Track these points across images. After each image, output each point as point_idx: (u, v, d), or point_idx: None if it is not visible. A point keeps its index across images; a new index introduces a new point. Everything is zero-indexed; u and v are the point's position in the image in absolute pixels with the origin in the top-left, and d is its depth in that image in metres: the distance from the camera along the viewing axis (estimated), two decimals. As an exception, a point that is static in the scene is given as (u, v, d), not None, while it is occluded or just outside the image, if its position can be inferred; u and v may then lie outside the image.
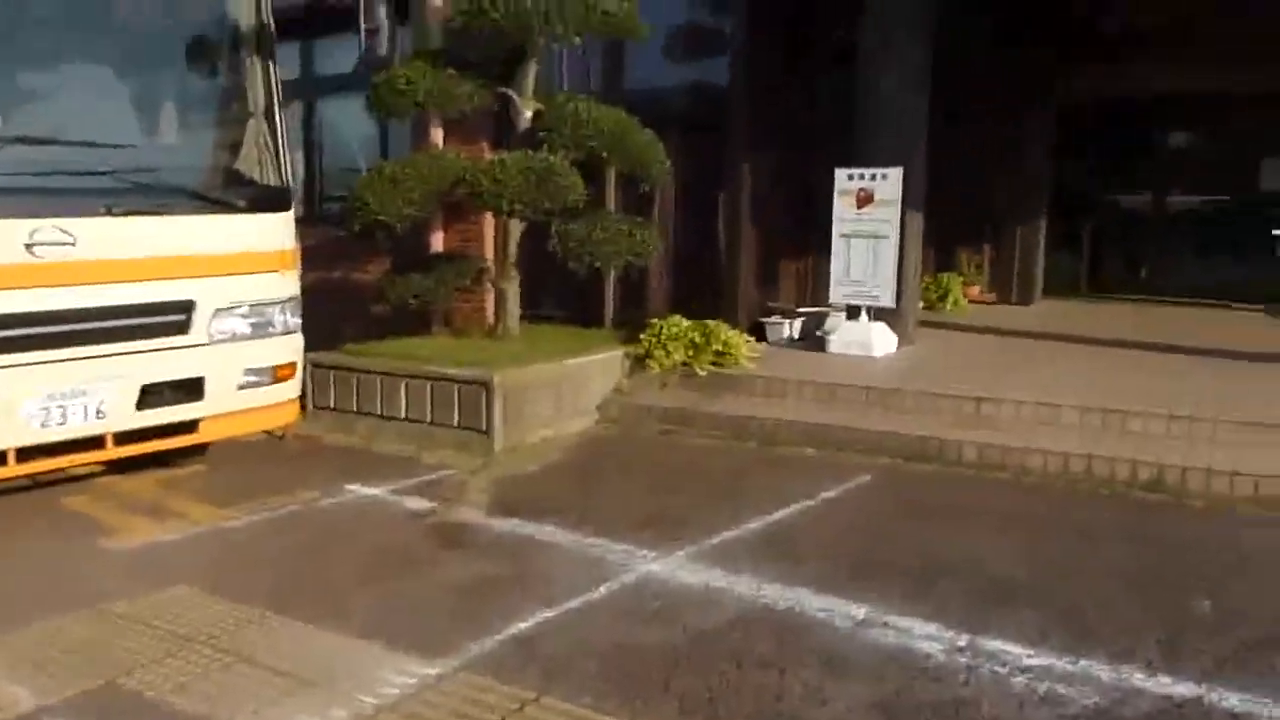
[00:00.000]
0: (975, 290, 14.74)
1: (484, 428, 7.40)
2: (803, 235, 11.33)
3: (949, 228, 13.16)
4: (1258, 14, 12.29)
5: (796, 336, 10.03)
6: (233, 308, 6.24)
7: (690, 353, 8.36)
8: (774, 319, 10.04)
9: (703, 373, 8.30)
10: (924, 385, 7.80)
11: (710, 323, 8.53)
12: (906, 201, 9.12)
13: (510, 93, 8.40)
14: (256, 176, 6.53)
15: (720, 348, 8.32)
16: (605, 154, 8.01)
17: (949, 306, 13.14)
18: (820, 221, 11.23)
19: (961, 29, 11.27)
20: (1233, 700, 3.80)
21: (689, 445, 7.74)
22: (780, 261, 11.16)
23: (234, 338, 6.29)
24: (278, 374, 6.56)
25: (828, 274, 10.67)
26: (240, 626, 4.47)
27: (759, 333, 9.96)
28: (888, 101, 9.35)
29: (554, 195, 7.55)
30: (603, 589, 4.90)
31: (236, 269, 6.26)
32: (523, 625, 4.47)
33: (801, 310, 10.75)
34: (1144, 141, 16.08)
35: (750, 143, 9.76)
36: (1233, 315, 13.61)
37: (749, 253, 10.06)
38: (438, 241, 10.63)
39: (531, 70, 8.42)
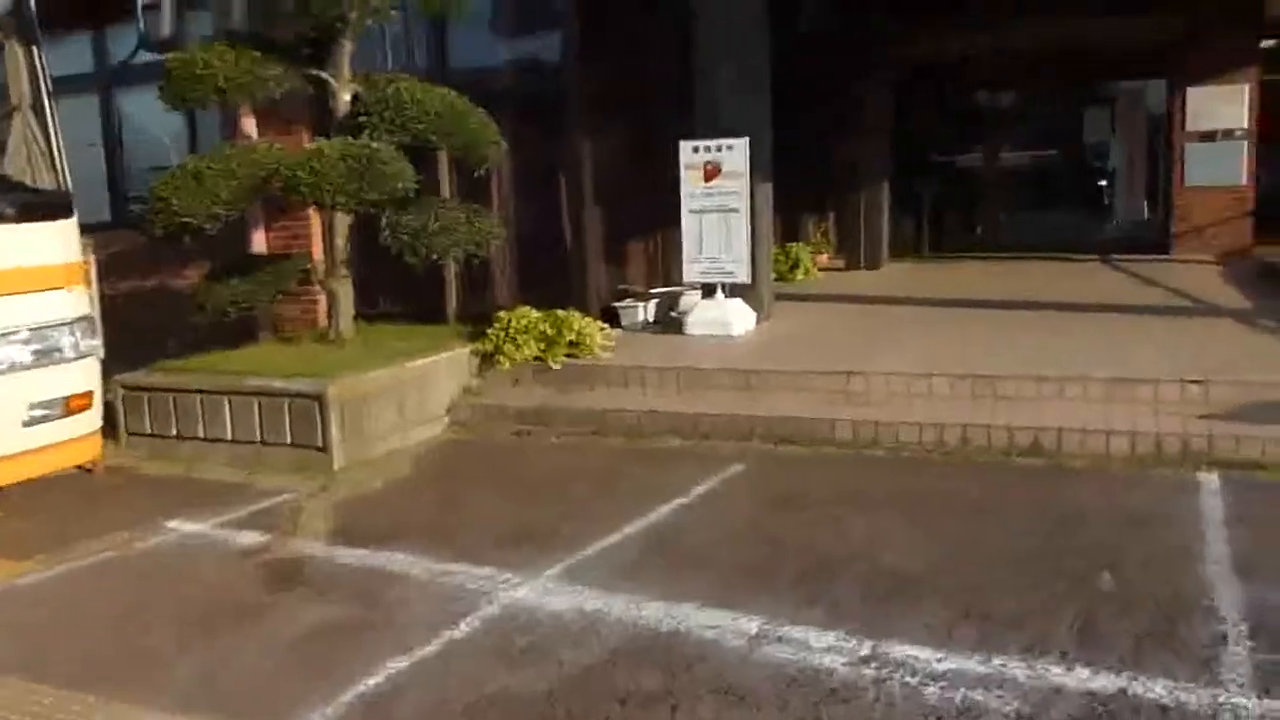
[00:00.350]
0: (824, 258, 14.63)
1: (321, 444, 6.69)
2: (651, 213, 10.87)
3: (794, 196, 12.91)
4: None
5: (652, 319, 9.58)
6: (7, 334, 5.37)
7: (542, 346, 7.81)
8: (627, 303, 9.57)
9: (557, 366, 7.76)
10: (789, 363, 7.45)
11: (561, 312, 7.99)
12: (755, 172, 8.76)
13: (324, 75, 7.64)
14: (27, 180, 5.65)
15: (574, 338, 7.79)
16: (434, 138, 7.33)
17: (800, 276, 12.94)
18: (668, 198, 10.85)
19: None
20: (1158, 689, 3.50)
21: (548, 446, 7.20)
22: (629, 242, 10.69)
23: (12, 368, 5.43)
24: (71, 405, 5.72)
25: (680, 252, 10.30)
26: (35, 716, 3.73)
27: (612, 318, 9.48)
28: (729, 68, 8.96)
29: (379, 184, 6.85)
30: (464, 625, 4.31)
31: (8, 288, 5.38)
32: (372, 681, 3.85)
33: (655, 291, 10.31)
34: (974, 102, 16.31)
35: (589, 119, 9.23)
36: (1073, 267, 13.86)
37: (596, 235, 9.55)
38: (260, 241, 9.76)
39: (346, 49, 7.68)
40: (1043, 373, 6.70)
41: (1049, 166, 16.21)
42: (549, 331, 7.81)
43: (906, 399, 6.87)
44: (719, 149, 8.71)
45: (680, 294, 10.19)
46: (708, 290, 9.07)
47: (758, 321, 9.10)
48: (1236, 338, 7.97)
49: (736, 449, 6.76)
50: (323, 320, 8.92)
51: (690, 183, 8.85)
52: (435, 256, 7.47)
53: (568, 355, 7.83)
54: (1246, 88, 13.98)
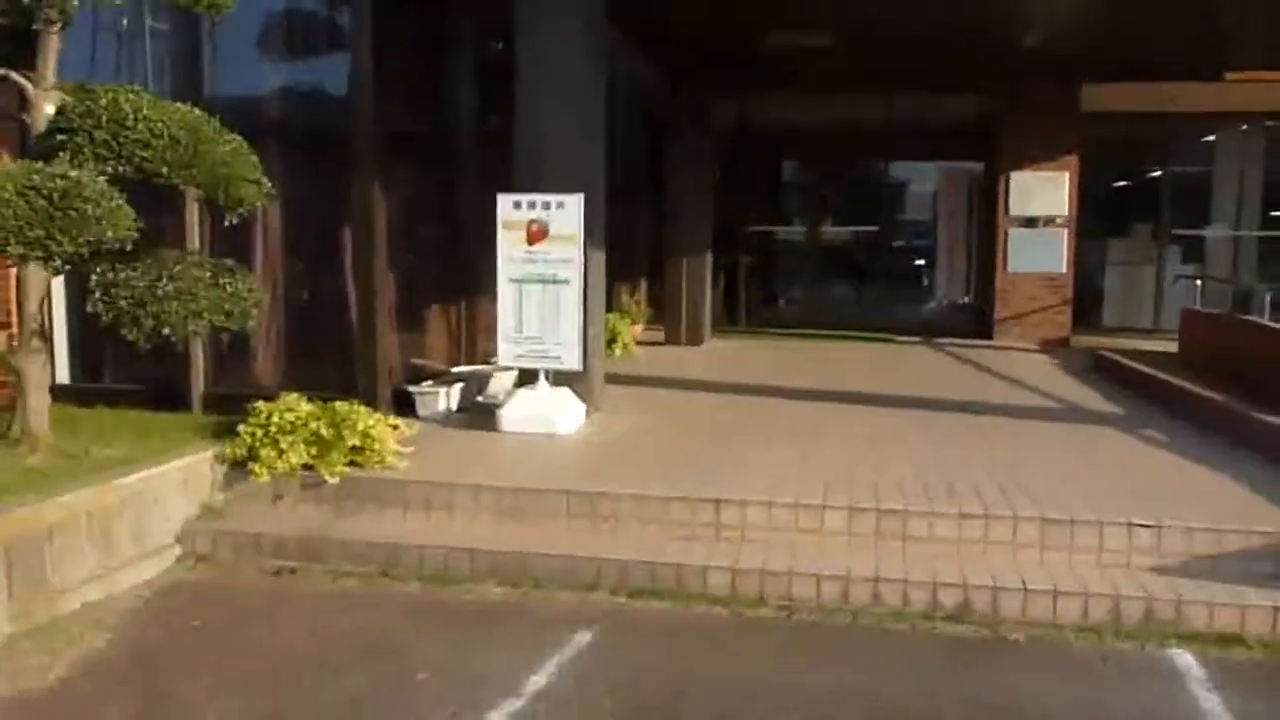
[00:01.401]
0: (638, 329, 13.15)
1: (-29, 607, 4.49)
2: (457, 277, 9.05)
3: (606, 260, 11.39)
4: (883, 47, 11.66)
5: (455, 408, 7.71)
6: None
7: (314, 451, 5.80)
8: (426, 387, 7.65)
9: (334, 479, 5.76)
10: (638, 480, 5.75)
11: (341, 405, 6.01)
12: (588, 236, 7.12)
13: (16, 76, 5.47)
14: None
15: (358, 441, 5.83)
16: (165, 169, 5.25)
17: (618, 351, 11.35)
18: (475, 260, 9.06)
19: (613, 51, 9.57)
20: None
21: (316, 594, 5.19)
22: (429, 310, 8.80)
23: None
24: None
25: (488, 323, 8.59)
26: None
27: (407, 404, 7.57)
28: (556, 107, 7.33)
29: (77, 229, 4.75)
30: None
31: None
32: None
33: (459, 372, 8.45)
34: (796, 173, 15.43)
35: (382, 161, 7.34)
36: (903, 350, 12.93)
37: (388, 301, 7.62)
38: (-62, 296, 7.32)
39: (51, 44, 5.54)
40: (964, 508, 5.28)
41: (870, 243, 15.40)
42: (324, 432, 5.82)
43: (793, 538, 5.29)
44: (547, 206, 7.02)
45: (490, 375, 8.39)
46: (527, 376, 7.32)
47: (587, 414, 7.39)
48: (1142, 458, 6.84)
49: (578, 605, 4.98)
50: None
51: (509, 245, 7.10)
52: (166, 331, 5.37)
53: (350, 464, 5.85)
54: (1067, 175, 13.56)
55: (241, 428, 5.95)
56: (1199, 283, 14.01)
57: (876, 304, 15.01)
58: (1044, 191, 13.58)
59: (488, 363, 9.04)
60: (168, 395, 7.43)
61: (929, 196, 14.83)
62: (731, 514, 5.37)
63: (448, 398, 7.60)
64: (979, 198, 14.50)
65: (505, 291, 7.15)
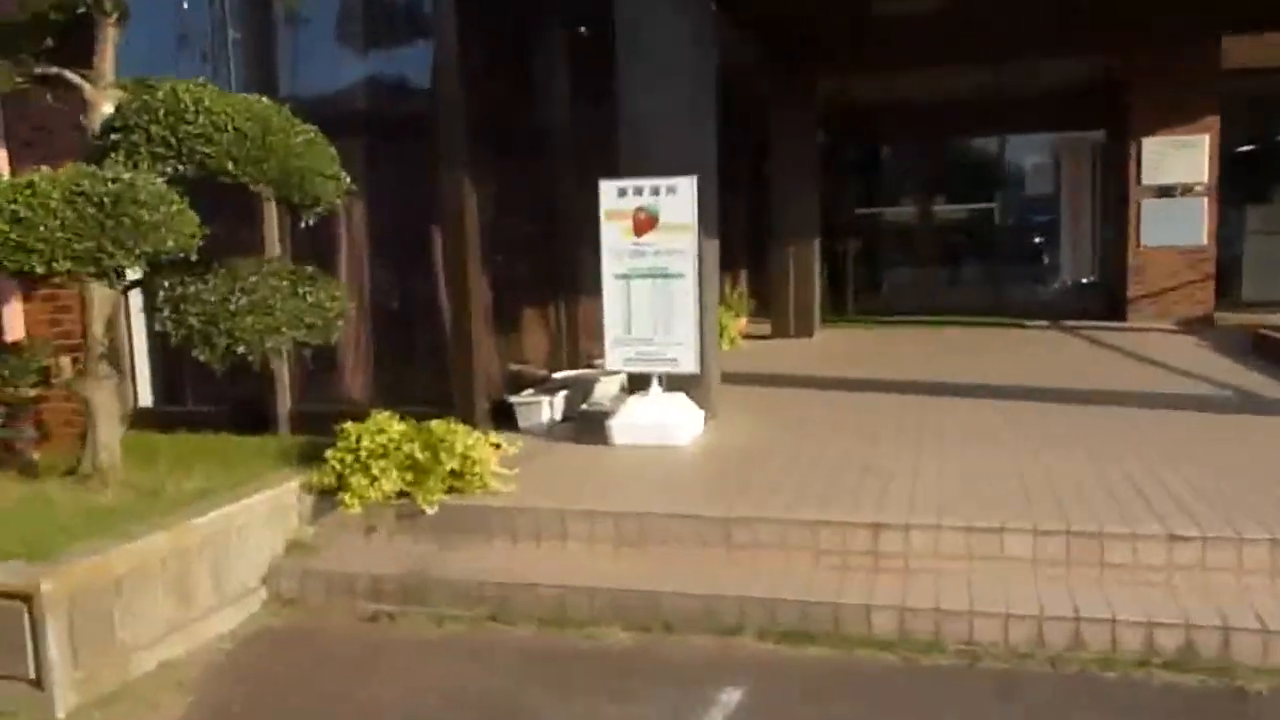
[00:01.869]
0: (742, 322, 12.34)
1: (32, 675, 3.91)
2: (553, 275, 8.39)
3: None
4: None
5: (559, 418, 7.03)
6: None
7: (409, 477, 5.15)
8: (527, 396, 6.98)
9: (431, 509, 5.10)
10: (775, 500, 4.96)
11: (437, 425, 5.35)
12: (702, 223, 6.35)
13: (66, 73, 4.92)
14: None
15: (456, 465, 5.15)
16: (232, 166, 4.63)
17: (725, 347, 10.56)
18: (574, 256, 8.38)
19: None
20: None
21: (419, 643, 4.53)
22: (527, 312, 8.14)
23: None
24: None
25: (590, 323, 7.93)
26: None
27: (506, 416, 6.91)
28: (665, 87, 6.57)
29: (133, 240, 4.14)
30: None
31: None
32: None
33: (563, 377, 7.77)
34: (906, 150, 14.43)
35: (473, 152, 6.67)
36: (1030, 334, 11.90)
37: (483, 305, 6.97)
38: (14, 320, 6.90)
39: (108, 36, 4.99)
40: (1174, 528, 4.38)
41: (985, 221, 14.31)
42: (420, 456, 5.16)
43: (968, 568, 4.46)
44: (656, 191, 6.26)
45: (595, 380, 7.69)
46: (637, 381, 6.58)
47: (704, 421, 6.63)
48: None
49: (720, 653, 4.22)
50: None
51: (615, 237, 6.37)
52: (242, 349, 4.76)
53: (449, 490, 5.18)
54: (1206, 139, 12.34)
55: (329, 453, 5.32)
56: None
57: (995, 286, 13.92)
58: (1181, 157, 12.37)
59: (591, 366, 8.36)
60: (252, 416, 6.88)
61: (1049, 169, 13.71)
62: (892, 540, 4.54)
63: (551, 408, 6.90)
64: (1105, 167, 13.34)
65: (611, 289, 6.41)
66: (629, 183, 6.31)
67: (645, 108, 6.59)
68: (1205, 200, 12.39)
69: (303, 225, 5.30)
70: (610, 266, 6.40)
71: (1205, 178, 12.35)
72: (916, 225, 14.39)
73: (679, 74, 6.60)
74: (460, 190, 6.61)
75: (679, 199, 6.21)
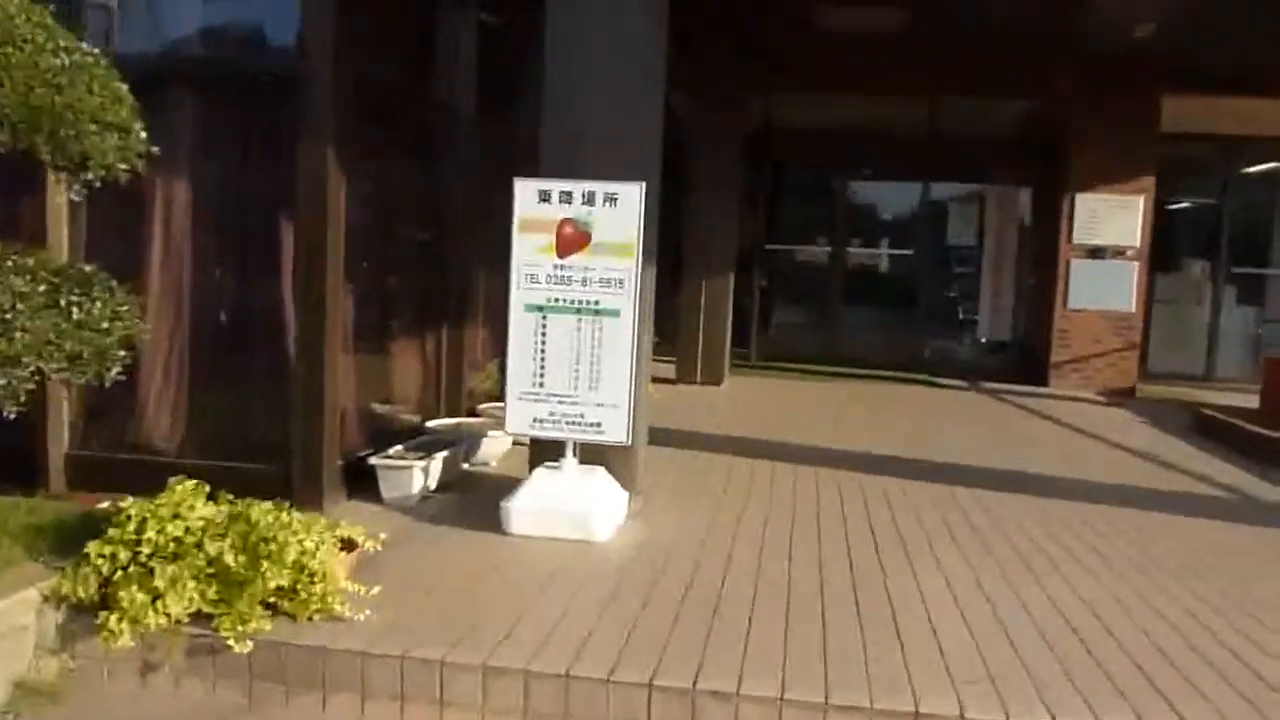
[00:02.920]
0: (640, 363, 10.75)
1: None
2: (441, 294, 6.64)
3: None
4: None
5: (435, 485, 5.29)
6: None
7: (214, 592, 3.37)
8: (395, 458, 5.22)
9: (243, 648, 3.32)
10: (757, 651, 3.36)
11: (263, 510, 3.56)
12: (645, 245, 4.75)
13: None
14: None
15: (285, 581, 3.39)
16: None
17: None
18: (470, 271, 6.70)
19: None
20: None
21: None
22: (399, 340, 6.37)
23: None
24: None
25: (482, 358, 6.30)
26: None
27: (366, 480, 5.14)
28: (606, 73, 4.96)
29: None
30: None
31: None
32: None
33: (439, 427, 6.02)
34: (821, 185, 13.19)
35: (342, 130, 4.91)
36: (956, 396, 10.69)
37: (343, 326, 5.20)
38: None
39: None
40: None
41: (904, 269, 13.15)
42: (230, 561, 3.37)
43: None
44: (590, 199, 4.61)
45: (483, 434, 5.97)
46: (547, 448, 4.91)
47: (629, 503, 5.00)
48: None
49: None
50: None
51: (530, 255, 4.68)
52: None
53: (273, 614, 3.42)
54: (1141, 200, 11.47)
55: (92, 547, 3.47)
56: None
57: (908, 337, 12.78)
58: (1114, 217, 11.44)
59: (476, 414, 6.64)
60: (11, 462, 4.91)
61: (972, 218, 12.69)
62: (945, 742, 3.02)
63: (425, 474, 5.15)
64: (1034, 222, 12.37)
65: (520, 324, 4.73)
66: (555, 185, 4.65)
67: (581, 90, 4.95)
68: (1136, 265, 11.50)
69: (71, 196, 3.46)
70: (521, 294, 4.71)
71: (1138, 241, 11.47)
72: (829, 267, 13.12)
73: (622, 50, 4.99)
74: (323, 178, 4.82)
75: (622, 211, 4.59)
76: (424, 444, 5.53)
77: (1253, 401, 9.85)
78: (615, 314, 4.61)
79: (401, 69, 6.22)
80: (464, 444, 5.67)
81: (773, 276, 13.07)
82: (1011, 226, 12.41)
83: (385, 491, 5.06)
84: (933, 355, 12.72)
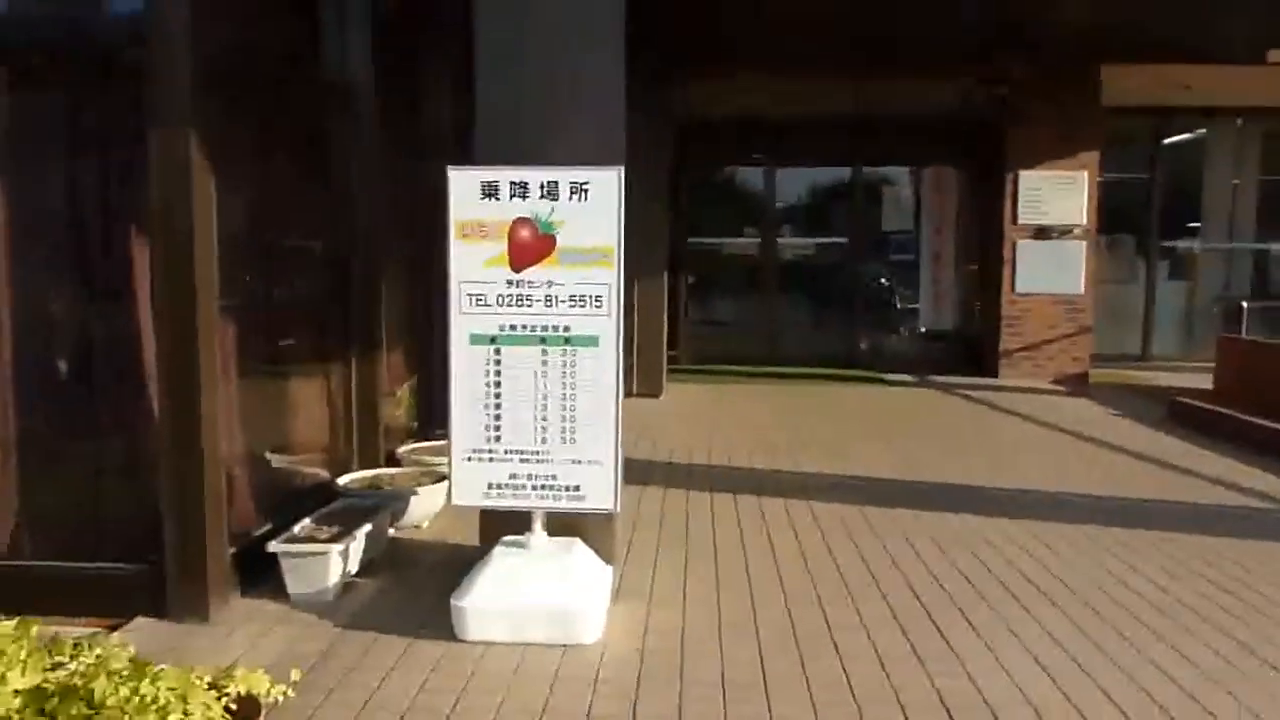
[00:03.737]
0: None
1: None
2: (347, 316, 5.35)
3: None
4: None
5: (357, 568, 4.06)
6: None
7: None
8: (301, 538, 3.96)
9: None
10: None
11: (114, 677, 2.34)
12: (629, 249, 3.61)
13: None
14: None
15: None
16: None
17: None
18: (384, 288, 5.47)
19: None
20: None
21: None
22: (297, 377, 5.07)
23: None
24: None
25: (400, 387, 5.16)
26: None
27: (265, 569, 3.87)
28: (559, 28, 3.79)
29: None
30: None
31: None
32: None
33: (354, 480, 4.76)
34: (747, 174, 12.18)
35: (208, 109, 3.65)
36: (912, 395, 9.80)
37: (219, 363, 3.92)
38: None
39: None
40: None
41: (838, 258, 12.21)
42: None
43: None
44: (552, 190, 3.42)
45: (410, 490, 4.74)
46: (494, 518, 3.74)
47: (612, 583, 3.85)
48: None
49: None
50: None
51: (471, 268, 3.48)
52: None
53: None
54: (1085, 175, 10.77)
55: None
56: (1244, 306, 11.57)
57: (846, 332, 11.88)
58: (1059, 196, 10.74)
59: (396, 462, 5.40)
60: None
61: (908, 202, 11.85)
62: None
63: (344, 558, 3.92)
64: (975, 203, 11.59)
65: (466, 361, 3.52)
66: (505, 174, 3.45)
67: (521, 59, 3.77)
68: (1084, 245, 10.81)
69: None
70: (464, 321, 3.50)
71: (1084, 219, 10.78)
72: (759, 260, 12.11)
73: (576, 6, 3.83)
74: (185, 173, 3.54)
75: (596, 206, 3.42)
76: (338, 513, 4.27)
77: (1202, 381, 9.29)
78: (592, 342, 3.45)
79: (281, 40, 4.93)
80: (389, 507, 4.43)
81: (699, 273, 12.02)
82: (950, 210, 11.61)
83: (293, 586, 3.80)
84: (872, 348, 11.86)
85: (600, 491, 3.50)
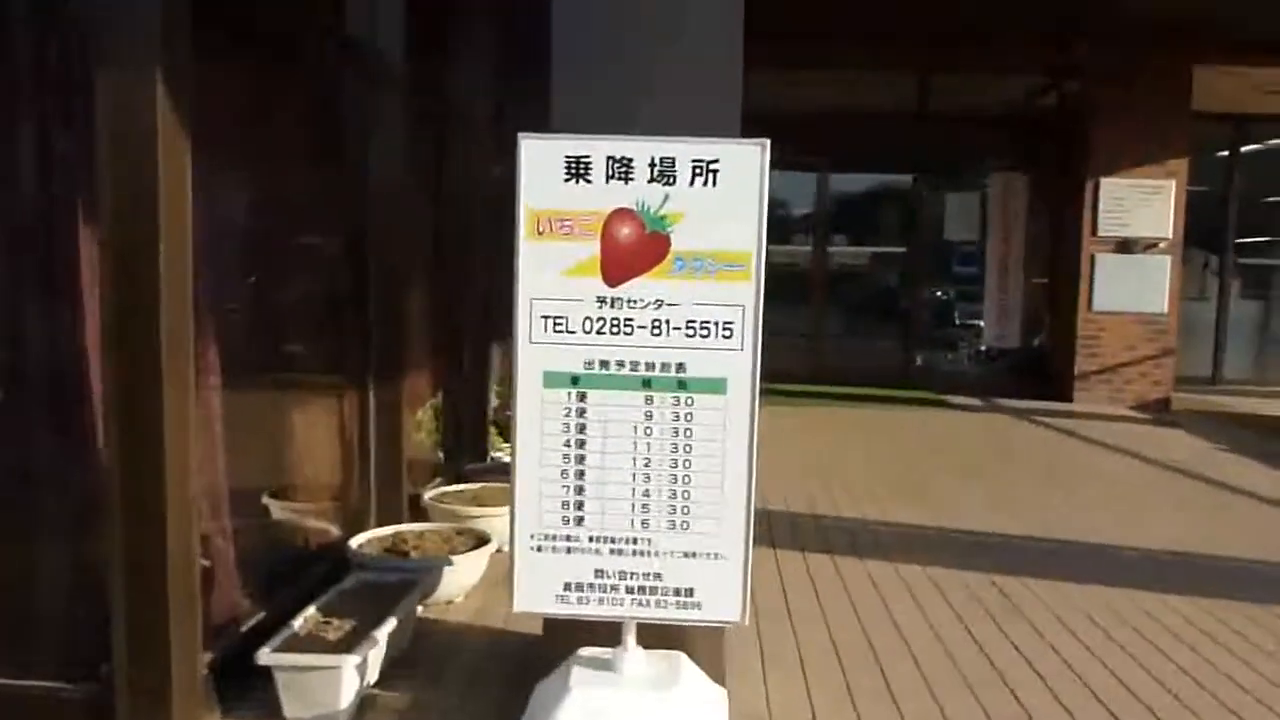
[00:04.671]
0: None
1: None
2: (350, 328, 4.31)
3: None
4: None
5: (376, 678, 3.03)
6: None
7: None
8: (301, 641, 2.93)
9: None
10: None
11: None
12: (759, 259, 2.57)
13: None
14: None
15: None
16: None
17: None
18: (388, 288, 4.45)
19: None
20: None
21: None
22: (291, 411, 4.03)
23: None
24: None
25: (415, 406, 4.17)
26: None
27: (250, 682, 2.84)
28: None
29: None
30: None
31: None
32: None
33: (367, 543, 3.71)
34: (796, 179, 11.13)
35: (180, 53, 2.66)
36: (985, 422, 8.69)
37: (187, 397, 2.90)
38: None
39: None
40: None
41: (895, 270, 11.15)
42: None
43: None
44: (668, 173, 2.39)
45: (444, 559, 3.69)
46: (590, 633, 2.69)
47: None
48: None
49: None
50: None
51: (550, 278, 2.43)
52: None
53: None
54: (1173, 185, 9.70)
55: None
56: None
57: (902, 349, 10.82)
58: (1144, 205, 9.67)
59: (419, 508, 4.37)
60: None
61: (973, 210, 10.81)
62: None
63: (360, 672, 2.87)
64: (1050, 212, 10.51)
65: (533, 406, 2.47)
66: (598, 145, 2.40)
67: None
68: (1169, 259, 9.74)
69: None
70: (535, 353, 2.45)
71: (1170, 232, 9.71)
72: (808, 269, 11.03)
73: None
74: (149, 146, 2.52)
75: (729, 192, 2.36)
76: (352, 595, 3.23)
77: None
78: (717, 386, 2.41)
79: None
80: (417, 587, 3.38)
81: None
82: (1019, 218, 10.53)
83: (291, 708, 2.75)
84: (929, 368, 10.81)
85: (723, 597, 2.45)
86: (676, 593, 2.46)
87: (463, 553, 3.72)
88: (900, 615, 3.86)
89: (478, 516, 4.18)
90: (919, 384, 10.59)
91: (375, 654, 2.89)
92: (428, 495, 4.48)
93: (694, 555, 2.44)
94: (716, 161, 2.36)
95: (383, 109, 4.18)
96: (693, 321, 2.39)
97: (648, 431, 2.42)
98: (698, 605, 2.46)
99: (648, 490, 2.43)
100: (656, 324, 2.39)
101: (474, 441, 5.82)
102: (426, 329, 5.24)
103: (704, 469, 2.42)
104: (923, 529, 5.17)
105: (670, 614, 2.48)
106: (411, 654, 3.25)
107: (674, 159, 2.36)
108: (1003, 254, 10.57)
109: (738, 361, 2.40)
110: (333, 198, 4.07)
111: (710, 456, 2.41)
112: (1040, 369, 10.45)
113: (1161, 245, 9.65)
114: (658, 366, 2.41)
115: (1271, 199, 12.20)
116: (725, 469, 2.41)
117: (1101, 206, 9.64)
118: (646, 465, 2.43)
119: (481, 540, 3.82)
